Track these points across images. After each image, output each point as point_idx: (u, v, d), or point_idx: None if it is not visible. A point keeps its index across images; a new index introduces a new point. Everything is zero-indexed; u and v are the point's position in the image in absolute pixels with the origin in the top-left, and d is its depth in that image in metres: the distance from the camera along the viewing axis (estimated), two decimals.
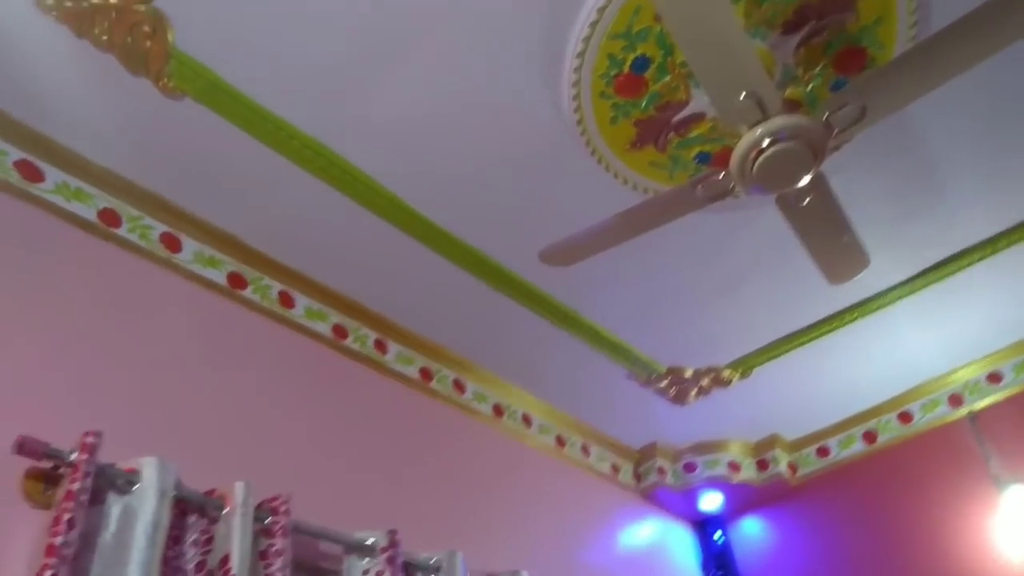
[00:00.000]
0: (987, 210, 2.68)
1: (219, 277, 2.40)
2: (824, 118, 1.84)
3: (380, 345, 2.79)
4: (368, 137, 2.20)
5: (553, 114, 2.19)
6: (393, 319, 2.83)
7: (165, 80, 1.98)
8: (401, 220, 2.45)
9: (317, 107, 2.11)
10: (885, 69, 1.79)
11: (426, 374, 2.92)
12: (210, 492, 1.89)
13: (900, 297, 2.96)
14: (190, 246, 2.36)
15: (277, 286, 2.54)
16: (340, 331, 2.68)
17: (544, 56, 2.04)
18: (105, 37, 1.89)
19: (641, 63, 2.07)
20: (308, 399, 2.48)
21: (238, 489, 1.88)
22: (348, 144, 2.22)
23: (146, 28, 1.88)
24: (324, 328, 2.64)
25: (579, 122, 2.20)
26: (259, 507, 1.93)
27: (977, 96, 2.26)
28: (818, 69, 2.12)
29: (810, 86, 2.15)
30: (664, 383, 3.32)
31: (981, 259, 2.83)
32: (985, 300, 3.02)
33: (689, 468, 3.69)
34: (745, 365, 3.28)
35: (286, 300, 2.56)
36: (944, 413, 3.39)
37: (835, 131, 1.86)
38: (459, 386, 3.03)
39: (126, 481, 1.75)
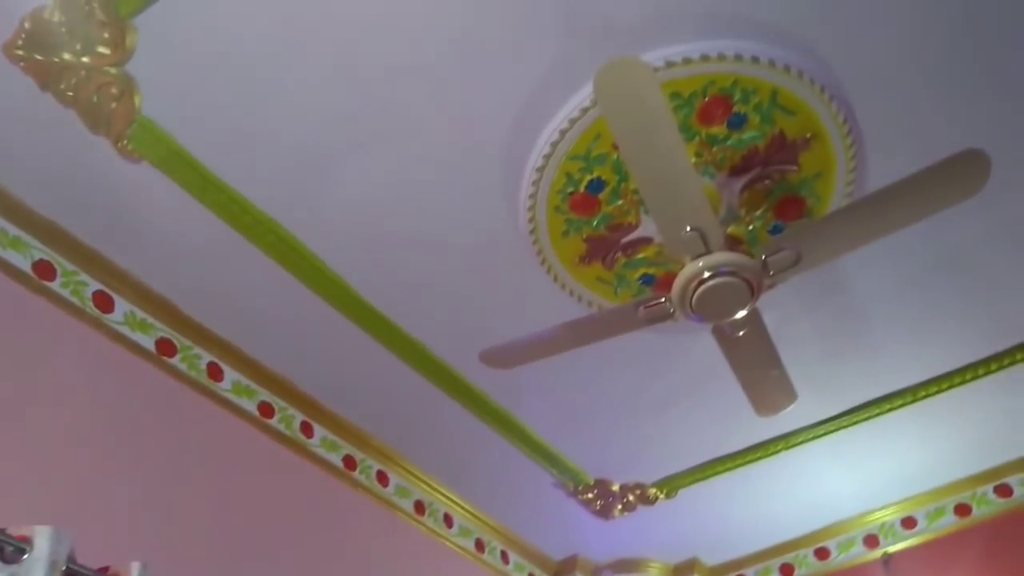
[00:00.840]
0: (911, 359, 2.80)
1: (148, 343, 2.33)
2: (763, 258, 1.93)
3: (306, 428, 2.72)
4: (323, 220, 2.22)
5: (508, 221, 2.24)
6: (323, 401, 2.77)
7: (124, 142, 1.98)
8: (344, 304, 2.44)
9: (275, 186, 2.12)
10: (820, 221, 1.91)
11: (350, 462, 2.84)
12: (103, 569, 1.77)
13: (823, 434, 3.04)
14: (122, 307, 2.29)
15: (207, 357, 2.48)
16: (266, 409, 2.61)
17: (506, 166, 2.11)
18: (70, 93, 1.89)
19: (596, 184, 2.15)
20: (224, 479, 2.38)
21: (134, 570, 1.78)
22: (301, 224, 2.23)
23: (114, 90, 1.89)
24: (250, 405, 2.56)
25: (532, 231, 2.26)
26: None
27: (905, 255, 2.39)
28: (759, 212, 2.24)
29: (751, 226, 2.26)
30: (590, 495, 3.29)
31: (902, 405, 2.93)
32: (904, 446, 3.11)
33: None
34: (671, 485, 3.28)
35: (214, 372, 2.49)
36: (859, 553, 3.43)
37: (771, 272, 1.95)
38: (382, 478, 2.95)
39: (16, 549, 1.63)
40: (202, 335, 2.46)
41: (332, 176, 2.11)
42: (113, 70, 1.86)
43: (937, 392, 2.89)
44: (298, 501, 2.59)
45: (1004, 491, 3.23)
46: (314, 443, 2.73)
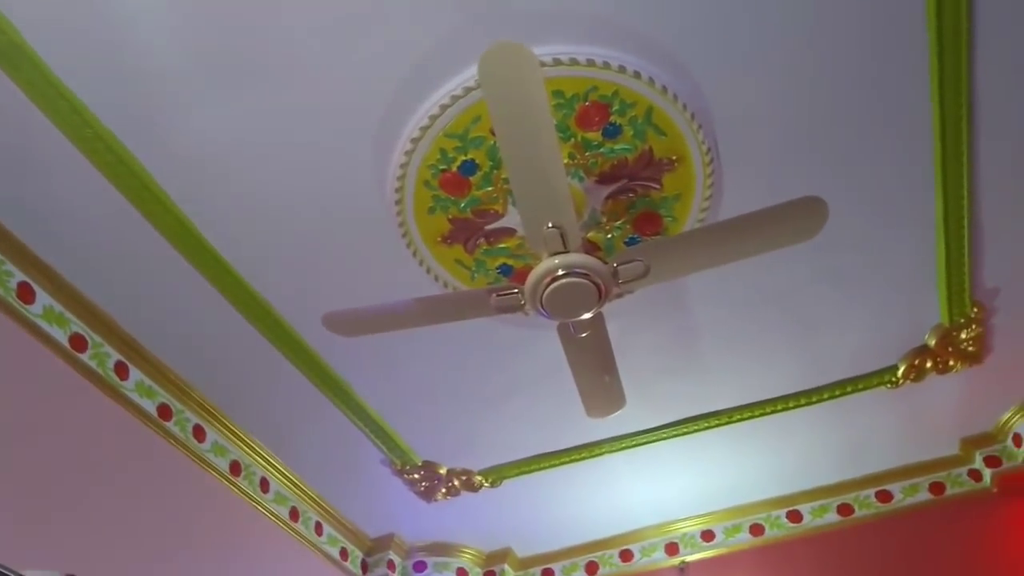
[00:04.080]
0: (731, 384, 3.00)
1: None
2: (614, 266, 1.99)
3: (121, 368, 2.53)
4: (173, 152, 2.06)
5: (375, 187, 2.19)
6: (143, 343, 2.58)
7: None
8: (184, 245, 2.29)
9: (126, 107, 1.95)
10: (672, 240, 1.99)
11: (165, 412, 2.67)
12: None
13: (643, 443, 3.19)
14: None
15: (19, 275, 2.25)
16: (78, 342, 2.40)
17: (380, 132, 2.06)
18: None
19: (469, 167, 2.14)
20: (22, 410, 2.16)
21: None
22: (149, 152, 2.07)
23: None
24: (60, 335, 2.35)
25: (398, 203, 2.21)
26: None
27: (742, 286, 2.56)
28: (619, 222, 2.31)
29: (609, 235, 2.33)
30: (416, 475, 3.28)
31: (716, 426, 3.13)
32: (712, 464, 3.33)
33: (419, 567, 3.63)
34: (497, 474, 3.33)
35: (25, 293, 2.26)
36: (660, 559, 3.64)
37: (620, 280, 2.01)
38: (199, 432, 2.80)
39: None
40: (17, 251, 2.23)
41: (192, 107, 1.96)
42: None
43: (749, 418, 3.12)
44: (101, 446, 2.40)
45: (795, 516, 3.54)
46: (128, 386, 2.55)
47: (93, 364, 2.44)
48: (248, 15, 1.80)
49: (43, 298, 2.31)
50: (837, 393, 3.03)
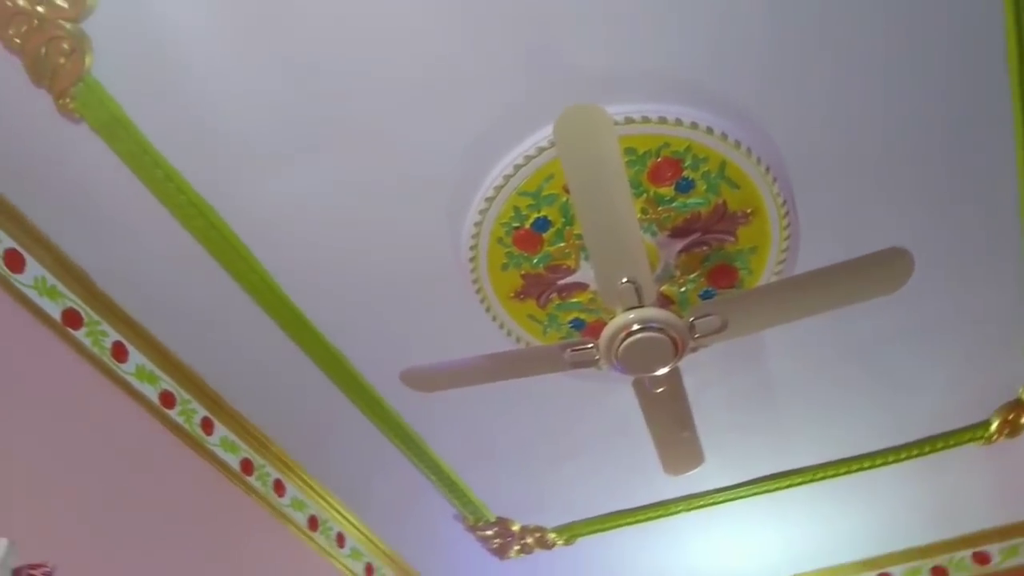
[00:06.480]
0: (811, 441, 2.90)
1: (55, 311, 2.21)
2: (690, 320, 1.97)
3: (207, 424, 2.61)
4: (259, 214, 2.16)
5: (449, 246, 2.23)
6: (228, 399, 2.67)
7: (67, 100, 1.90)
8: (267, 301, 2.36)
9: (215, 171, 2.06)
10: (749, 293, 1.97)
11: (248, 466, 2.74)
12: None
13: (723, 501, 3.10)
14: (33, 269, 2.17)
15: (114, 335, 2.36)
16: (168, 399, 2.50)
17: (456, 191, 2.11)
18: (18, 40, 1.81)
19: (542, 223, 2.17)
20: (113, 464, 2.25)
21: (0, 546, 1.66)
22: (236, 215, 2.16)
23: (65, 45, 1.82)
24: (151, 392, 2.45)
25: (472, 259, 2.25)
26: (17, 571, 1.71)
27: (822, 341, 2.50)
28: (693, 276, 2.29)
29: (683, 288, 2.32)
30: (489, 532, 3.26)
31: (800, 483, 3.02)
32: (795, 523, 3.20)
33: None
34: (571, 532, 3.28)
35: (119, 352, 2.37)
36: None
37: (697, 335, 1.99)
38: (279, 487, 2.85)
39: None
40: (112, 311, 2.34)
41: (277, 173, 2.06)
42: (68, 25, 1.79)
43: (833, 476, 3.00)
44: (187, 500, 2.48)
45: None
46: (213, 441, 2.63)
47: (181, 420, 2.53)
48: (328, 87, 1.89)
49: (136, 357, 2.42)
50: (926, 450, 2.90)
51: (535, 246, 2.23)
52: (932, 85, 1.91)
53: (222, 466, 2.65)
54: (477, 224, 2.16)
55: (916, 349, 2.55)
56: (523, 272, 2.29)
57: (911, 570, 3.33)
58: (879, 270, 1.87)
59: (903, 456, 2.92)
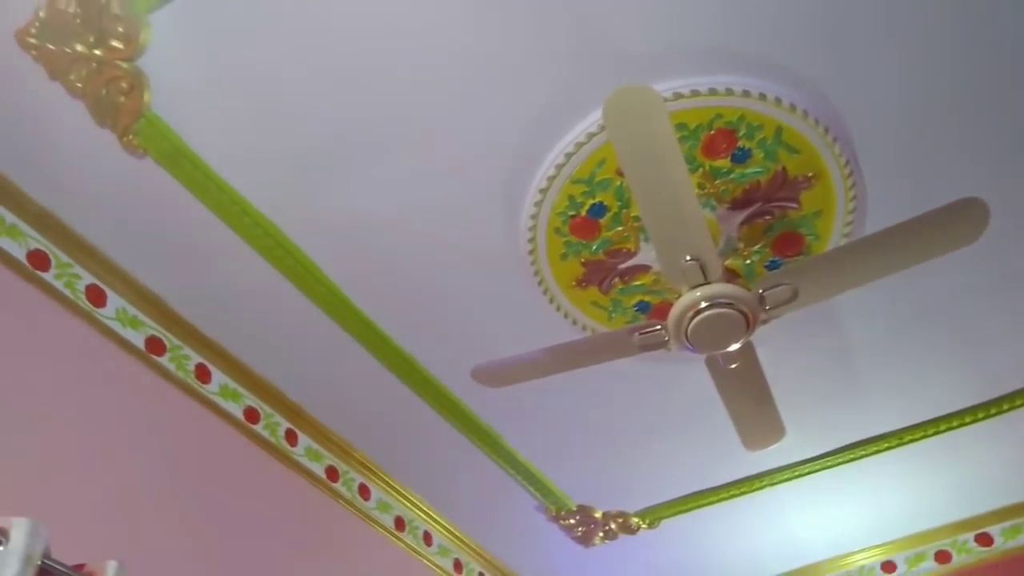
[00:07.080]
0: (895, 405, 2.81)
1: (138, 339, 2.31)
2: (760, 292, 1.94)
3: (291, 436, 2.69)
4: (321, 226, 2.21)
5: (508, 240, 2.24)
6: (308, 410, 2.74)
7: (130, 137, 1.98)
8: (338, 312, 2.42)
9: (277, 190, 2.12)
10: (818, 259, 1.92)
11: (333, 473, 2.81)
12: (79, 567, 1.73)
13: (807, 473, 3.04)
14: (114, 302, 2.27)
15: (196, 358, 2.45)
16: (252, 414, 2.58)
17: (510, 185, 2.12)
18: (80, 84, 1.89)
19: (598, 209, 2.16)
20: (206, 483, 2.34)
21: (110, 569, 1.74)
22: (300, 230, 2.22)
23: (124, 84, 1.89)
24: (236, 409, 2.54)
25: (531, 252, 2.26)
26: None
27: (896, 301, 2.42)
28: (758, 247, 2.25)
29: (748, 260, 2.27)
30: (572, 521, 3.27)
31: (886, 449, 2.94)
32: (886, 490, 3.12)
33: None
34: (654, 515, 3.26)
35: (202, 374, 2.46)
36: None
37: (768, 306, 1.96)
38: (364, 491, 2.92)
39: None
40: (192, 335, 2.44)
41: (335, 184, 2.11)
42: (124, 65, 1.86)
43: (920, 438, 2.91)
44: (278, 510, 2.56)
45: (985, 540, 3.25)
46: (298, 452, 2.71)
47: (266, 434, 2.61)
48: (380, 94, 1.92)
49: (218, 377, 2.50)
50: (1018, 403, 2.78)
51: (593, 232, 2.22)
52: (1004, 24, 1.81)
53: (308, 475, 2.72)
54: (533, 216, 2.17)
55: (995, 302, 2.45)
56: (583, 260, 2.29)
57: (1012, 528, 3.21)
58: (953, 222, 1.80)
59: (993, 411, 2.82)
